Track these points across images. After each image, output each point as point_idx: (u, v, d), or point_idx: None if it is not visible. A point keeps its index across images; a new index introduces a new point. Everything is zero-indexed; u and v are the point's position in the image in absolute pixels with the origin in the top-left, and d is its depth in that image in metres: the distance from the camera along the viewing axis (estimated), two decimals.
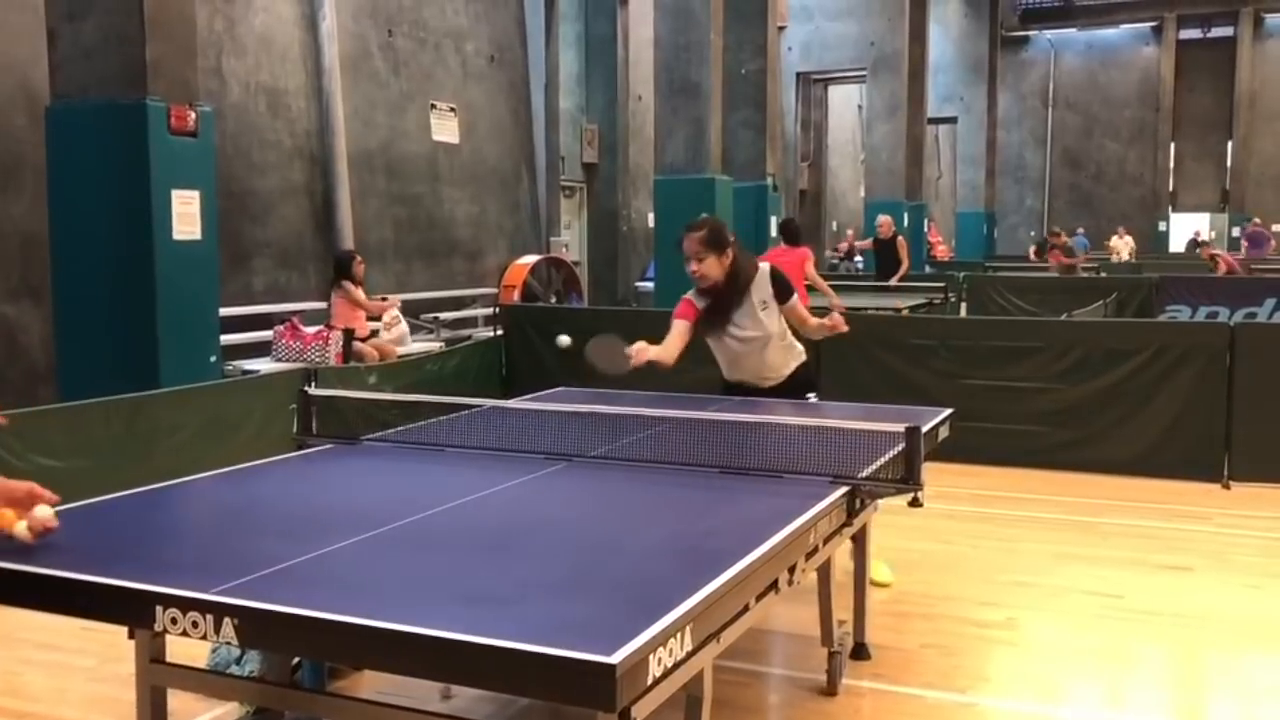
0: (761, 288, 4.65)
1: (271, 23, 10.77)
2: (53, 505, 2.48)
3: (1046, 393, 7.39)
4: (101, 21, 6.38)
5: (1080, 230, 26.78)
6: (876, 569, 5.02)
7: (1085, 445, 7.27)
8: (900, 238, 14.46)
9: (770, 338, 4.69)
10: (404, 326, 10.04)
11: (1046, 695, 3.90)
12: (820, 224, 25.94)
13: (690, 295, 4.74)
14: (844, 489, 3.24)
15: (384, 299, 9.95)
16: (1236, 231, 28.08)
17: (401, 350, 9.75)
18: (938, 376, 7.53)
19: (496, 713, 3.61)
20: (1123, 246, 24.86)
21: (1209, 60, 30.89)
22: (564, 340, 2.91)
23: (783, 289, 4.67)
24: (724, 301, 4.61)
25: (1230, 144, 30.69)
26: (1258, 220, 25.75)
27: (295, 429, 4.04)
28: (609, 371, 4.25)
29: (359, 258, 9.60)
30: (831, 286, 11.11)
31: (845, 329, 4.79)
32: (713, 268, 4.56)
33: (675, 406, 4.39)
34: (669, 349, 4.50)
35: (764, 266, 4.71)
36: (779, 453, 3.53)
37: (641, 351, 4.26)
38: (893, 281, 13.73)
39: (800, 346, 4.89)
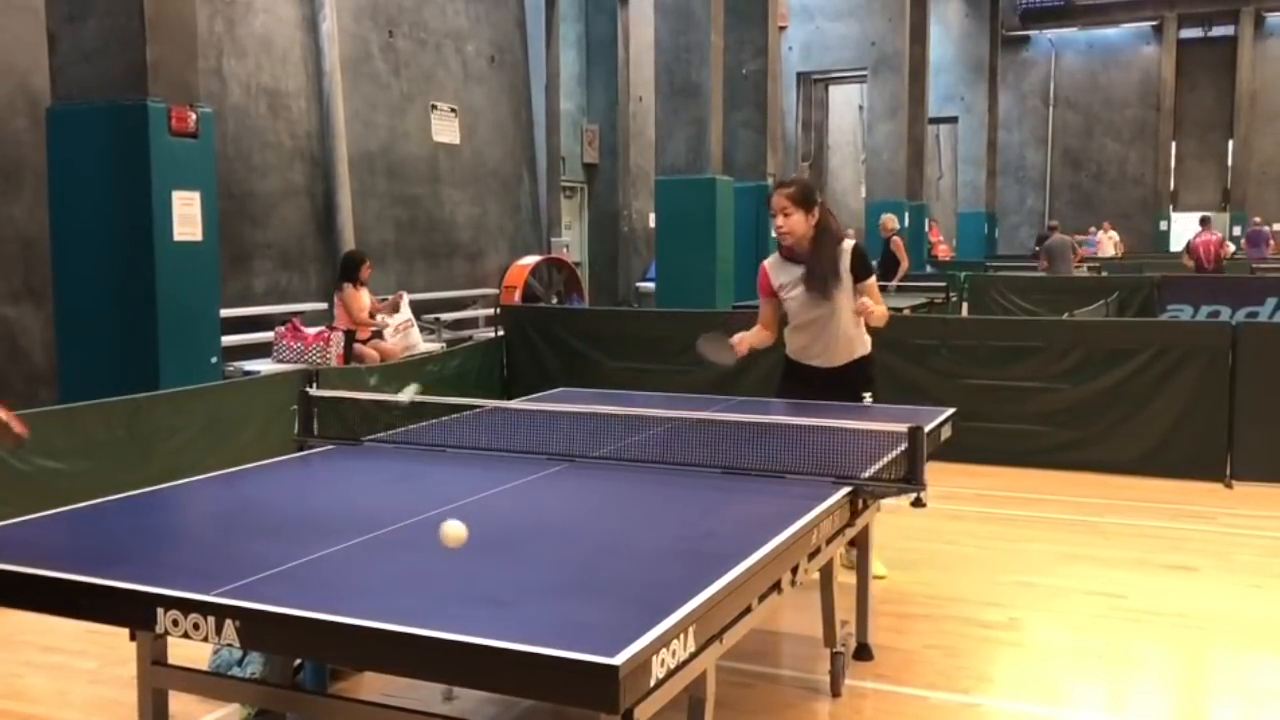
0: (841, 260, 4.67)
1: (272, 24, 10.77)
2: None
3: (1048, 393, 7.38)
4: (102, 23, 6.37)
5: (1092, 230, 26.79)
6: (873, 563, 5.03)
7: (1087, 445, 7.26)
8: (895, 238, 14.44)
9: (836, 312, 4.69)
10: (415, 335, 9.96)
11: (1050, 696, 3.89)
12: None
13: (768, 263, 4.85)
14: (846, 489, 3.24)
15: (383, 300, 9.90)
16: (1238, 230, 28.09)
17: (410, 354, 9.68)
18: (939, 376, 7.53)
19: (499, 714, 3.60)
20: (1107, 241, 24.84)
21: (1210, 59, 30.89)
22: (408, 394, 2.83)
23: (862, 267, 4.68)
24: (820, 262, 4.64)
25: (1231, 143, 30.69)
26: (1258, 219, 25.77)
27: (296, 430, 4.04)
28: (718, 363, 4.61)
29: (368, 262, 9.54)
30: None
31: (885, 315, 4.79)
32: (798, 224, 4.61)
33: (677, 407, 4.39)
34: (766, 330, 4.79)
35: (848, 241, 4.75)
36: (781, 453, 3.53)
37: (742, 342, 4.59)
38: (892, 284, 13.71)
39: (868, 339, 4.90)
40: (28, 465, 5.10)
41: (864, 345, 4.89)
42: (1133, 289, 13.53)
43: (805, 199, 4.63)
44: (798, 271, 4.73)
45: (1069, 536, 5.82)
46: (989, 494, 6.70)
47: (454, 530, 2.34)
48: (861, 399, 4.81)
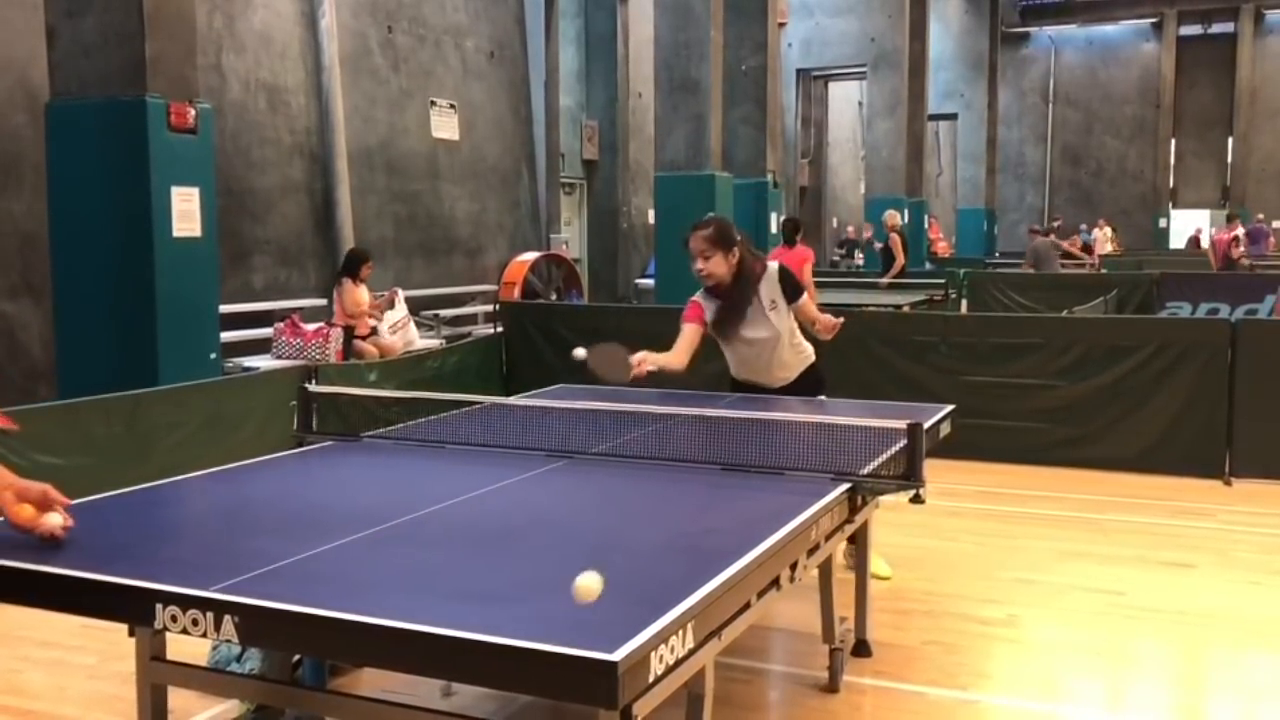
0: (770, 287, 4.62)
1: (271, 20, 10.76)
2: (65, 508, 2.50)
3: (1048, 389, 7.38)
4: (101, 19, 6.37)
5: (1083, 226, 26.81)
6: (875, 563, 5.03)
7: (1087, 442, 7.26)
8: (894, 234, 14.42)
9: (780, 337, 4.66)
10: (413, 331, 9.98)
11: (1048, 692, 3.89)
12: (821, 221, 25.96)
13: (698, 296, 4.72)
14: (845, 486, 3.24)
15: (379, 296, 9.89)
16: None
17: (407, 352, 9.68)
18: (939, 373, 7.53)
19: (498, 710, 3.60)
20: (1102, 238, 24.92)
21: (1209, 56, 30.87)
22: (580, 353, 2.84)
23: (791, 288, 4.64)
24: (733, 302, 4.58)
25: (1230, 140, 30.67)
26: (1261, 216, 25.77)
27: (295, 426, 4.04)
28: (610, 380, 4.24)
29: (370, 261, 9.53)
30: (835, 284, 11.08)
31: (837, 324, 4.71)
32: (719, 266, 4.53)
33: (676, 404, 4.39)
34: (679, 354, 4.49)
35: (772, 265, 4.69)
36: (780, 450, 3.53)
37: (644, 361, 4.22)
38: (883, 280, 13.71)
39: (810, 348, 4.87)
40: (26, 461, 5.09)
41: (808, 357, 4.84)
42: (1132, 286, 13.53)
43: (723, 239, 4.53)
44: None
45: (1068, 533, 5.82)
46: (988, 491, 6.71)
47: (587, 586, 2.09)
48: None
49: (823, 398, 4.78)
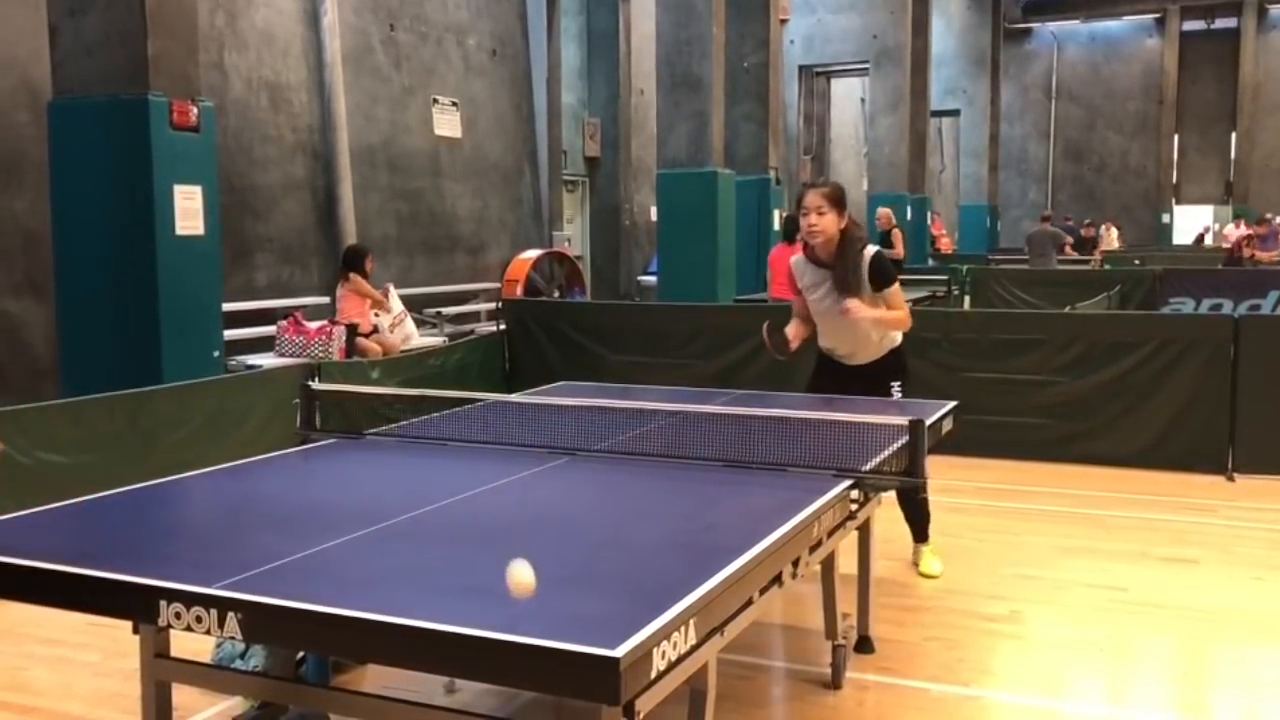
0: (861, 266, 4.71)
1: (273, 17, 10.76)
2: None
3: (1050, 386, 7.38)
4: (103, 17, 6.38)
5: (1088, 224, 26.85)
6: (926, 562, 5.05)
7: (1089, 438, 7.26)
8: (896, 230, 14.37)
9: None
10: (410, 325, 9.99)
11: (1051, 688, 3.90)
12: None
13: (792, 262, 4.91)
14: (847, 482, 3.24)
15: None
16: (1242, 226, 28.01)
17: (407, 348, 9.70)
18: (941, 369, 7.52)
19: (501, 706, 3.61)
20: (1110, 237, 25.17)
21: (1212, 52, 30.80)
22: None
23: (881, 275, 4.70)
24: (834, 265, 4.69)
25: (1234, 136, 30.62)
26: (1269, 215, 25.72)
27: (298, 424, 4.04)
28: (776, 353, 4.72)
29: (370, 256, 9.54)
30: None
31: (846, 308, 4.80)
32: (831, 224, 4.64)
33: (678, 401, 4.40)
34: (805, 322, 4.90)
35: (871, 248, 4.77)
36: (782, 446, 3.53)
37: (796, 338, 4.79)
38: None
39: (897, 333, 4.92)
40: (30, 459, 5.11)
41: (893, 339, 4.91)
42: (1135, 282, 13.51)
43: (838, 200, 4.67)
44: (821, 274, 4.75)
45: (1070, 529, 5.82)
46: (990, 487, 6.71)
47: (521, 579, 2.12)
48: (890, 390, 4.81)
49: (897, 388, 4.83)
